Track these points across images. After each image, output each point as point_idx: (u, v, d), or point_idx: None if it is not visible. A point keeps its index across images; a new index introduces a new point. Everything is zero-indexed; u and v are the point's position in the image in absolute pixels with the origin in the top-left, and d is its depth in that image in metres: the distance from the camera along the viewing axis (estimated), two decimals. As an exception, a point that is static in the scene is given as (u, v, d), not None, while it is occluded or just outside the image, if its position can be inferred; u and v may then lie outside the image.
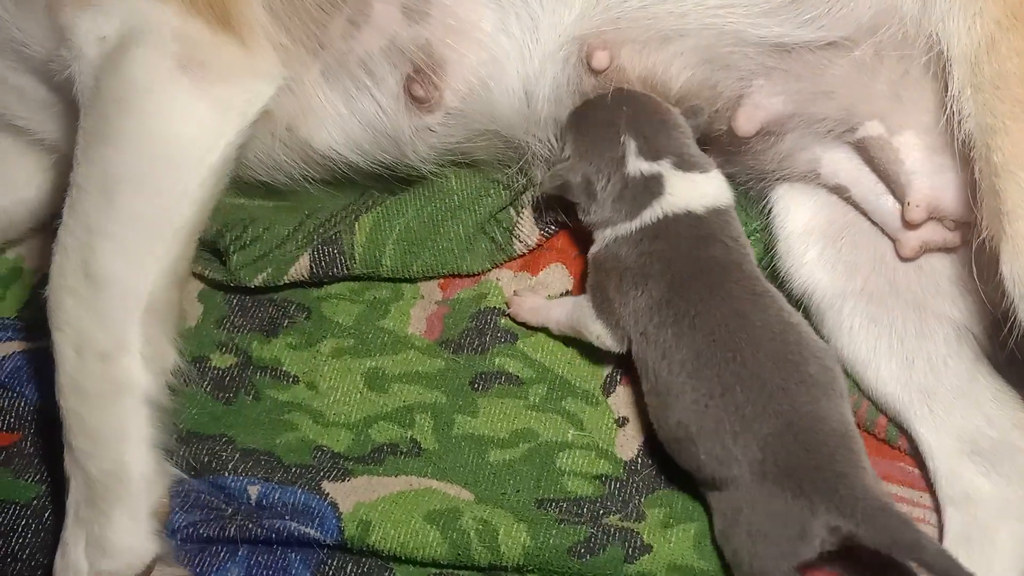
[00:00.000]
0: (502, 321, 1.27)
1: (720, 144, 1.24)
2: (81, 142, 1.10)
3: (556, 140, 1.23)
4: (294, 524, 1.14)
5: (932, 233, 1.19)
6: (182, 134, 1.10)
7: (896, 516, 1.01)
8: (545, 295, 1.28)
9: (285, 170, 1.24)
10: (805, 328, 1.13)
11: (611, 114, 1.19)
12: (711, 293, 1.12)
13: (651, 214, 1.16)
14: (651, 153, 1.17)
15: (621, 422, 1.21)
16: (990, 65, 1.06)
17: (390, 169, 1.25)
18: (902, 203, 1.18)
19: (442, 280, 1.31)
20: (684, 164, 1.18)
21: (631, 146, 1.18)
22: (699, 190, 1.17)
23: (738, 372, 1.07)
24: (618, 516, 1.15)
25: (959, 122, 1.09)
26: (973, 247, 1.08)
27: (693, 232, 1.15)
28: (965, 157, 1.10)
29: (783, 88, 1.17)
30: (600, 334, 1.17)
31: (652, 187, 1.17)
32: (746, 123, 1.18)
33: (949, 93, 1.09)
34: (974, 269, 1.10)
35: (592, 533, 1.13)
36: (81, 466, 1.08)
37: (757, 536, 1.05)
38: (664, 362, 1.11)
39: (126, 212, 1.08)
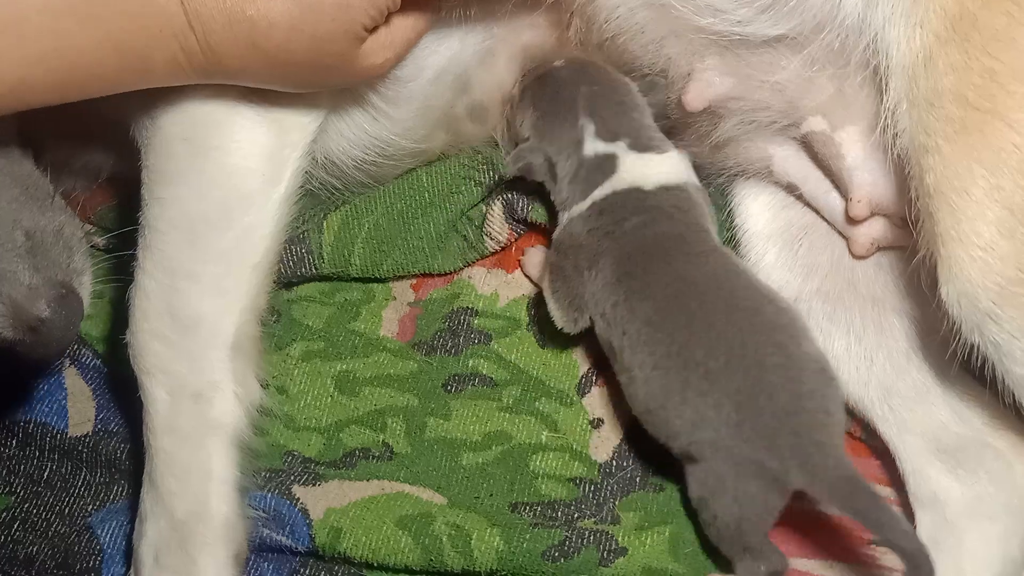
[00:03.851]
0: (475, 321, 1.24)
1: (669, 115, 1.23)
2: (147, 181, 1.07)
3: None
4: (266, 531, 1.12)
5: (881, 230, 1.17)
6: (251, 166, 1.07)
7: (864, 491, 1.00)
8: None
9: None
10: (754, 276, 1.13)
11: (570, 93, 1.18)
12: (655, 263, 1.11)
13: (600, 192, 1.15)
14: (608, 135, 1.17)
15: (596, 423, 1.20)
16: (926, 80, 1.02)
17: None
18: (846, 199, 1.16)
19: (415, 281, 1.28)
20: (639, 145, 1.17)
21: (589, 128, 1.17)
22: (651, 168, 1.16)
23: (692, 331, 1.07)
24: (593, 520, 1.14)
25: (894, 136, 1.06)
26: (914, 261, 1.06)
27: (639, 206, 1.14)
28: (901, 173, 1.07)
29: (734, 70, 1.16)
30: (554, 313, 1.16)
31: (605, 167, 1.16)
32: (695, 99, 1.17)
33: (885, 105, 1.06)
34: (922, 279, 1.07)
35: (567, 536, 1.12)
36: (167, 507, 1.06)
37: (732, 500, 1.04)
38: (625, 339, 1.10)
39: (208, 252, 1.06)
